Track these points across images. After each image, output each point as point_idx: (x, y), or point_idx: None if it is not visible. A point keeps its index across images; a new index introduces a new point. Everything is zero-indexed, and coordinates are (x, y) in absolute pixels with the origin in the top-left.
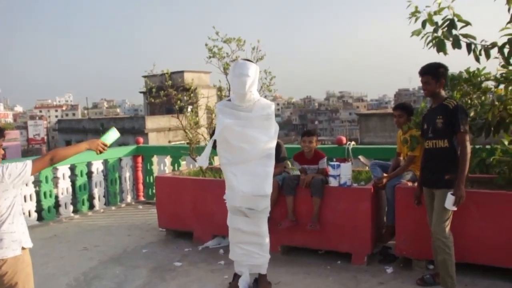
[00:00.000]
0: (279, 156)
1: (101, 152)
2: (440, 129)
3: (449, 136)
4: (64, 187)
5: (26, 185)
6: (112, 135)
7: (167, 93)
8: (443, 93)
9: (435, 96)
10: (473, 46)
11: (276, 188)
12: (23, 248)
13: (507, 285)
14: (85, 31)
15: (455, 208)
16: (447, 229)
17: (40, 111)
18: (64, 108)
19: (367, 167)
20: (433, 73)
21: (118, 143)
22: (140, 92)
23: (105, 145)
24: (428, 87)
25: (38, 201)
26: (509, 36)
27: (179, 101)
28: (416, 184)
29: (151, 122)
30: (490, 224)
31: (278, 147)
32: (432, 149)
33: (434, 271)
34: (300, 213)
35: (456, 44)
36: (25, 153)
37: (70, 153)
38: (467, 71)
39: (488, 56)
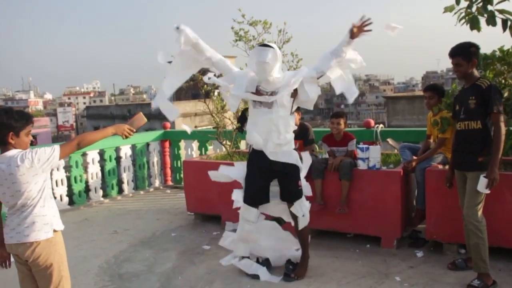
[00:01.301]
0: (307, 139)
1: (126, 137)
2: (472, 110)
3: (482, 117)
4: (93, 172)
5: (57, 170)
6: (138, 120)
7: (194, 77)
8: (475, 73)
9: (468, 77)
10: (509, 23)
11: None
12: (54, 231)
13: None
14: (110, 19)
15: (488, 191)
16: (480, 212)
17: (69, 98)
18: (91, 95)
19: (396, 150)
20: (464, 54)
21: (145, 128)
22: None
23: (131, 130)
24: (460, 68)
25: (69, 186)
26: None
27: (205, 85)
28: (447, 166)
29: (177, 108)
30: None
31: (306, 130)
32: (464, 130)
33: (466, 255)
34: (328, 196)
35: (491, 21)
36: (55, 140)
37: (97, 138)
38: (501, 49)
39: None
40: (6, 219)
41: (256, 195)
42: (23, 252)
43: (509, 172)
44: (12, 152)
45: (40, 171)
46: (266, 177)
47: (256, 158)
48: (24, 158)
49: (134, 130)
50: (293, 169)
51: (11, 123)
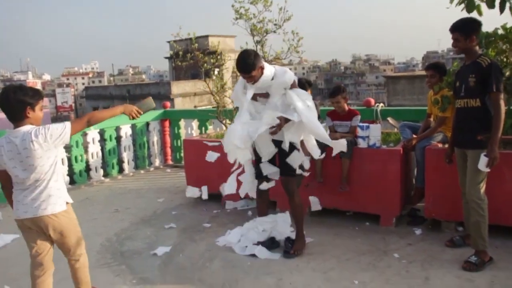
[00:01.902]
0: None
1: (133, 118)
2: (472, 88)
3: (482, 96)
4: (94, 151)
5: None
6: (148, 104)
7: (193, 56)
8: (476, 49)
9: (468, 52)
10: (508, 4)
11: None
12: (67, 203)
13: None
14: None
15: (488, 170)
16: (482, 191)
17: (67, 79)
18: (90, 76)
19: (396, 129)
20: (462, 29)
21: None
22: (165, 58)
23: (139, 112)
24: (457, 44)
25: (70, 166)
26: None
27: (205, 64)
28: (446, 145)
29: (177, 88)
30: None
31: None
32: (463, 108)
33: (463, 232)
34: (328, 174)
35: (490, 3)
36: (54, 120)
37: (106, 116)
38: (504, 27)
39: None
40: (14, 196)
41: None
42: (41, 225)
43: (508, 150)
44: (26, 128)
45: (53, 146)
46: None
47: None
48: (38, 133)
49: (142, 113)
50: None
51: (27, 99)
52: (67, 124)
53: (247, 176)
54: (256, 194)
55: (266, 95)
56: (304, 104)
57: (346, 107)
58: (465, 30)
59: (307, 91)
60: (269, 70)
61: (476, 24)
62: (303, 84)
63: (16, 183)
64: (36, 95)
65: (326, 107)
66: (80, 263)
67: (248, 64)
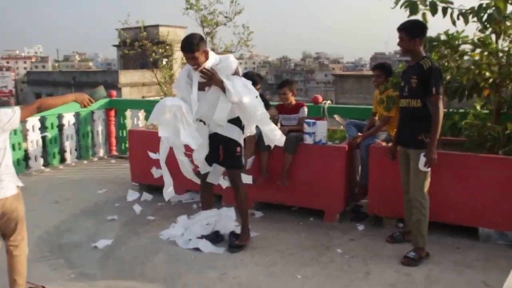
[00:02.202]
0: (266, 102)
1: (85, 106)
2: (414, 89)
3: (422, 97)
4: (33, 139)
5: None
6: (100, 93)
7: (142, 45)
8: (421, 51)
9: (412, 53)
10: (450, 11)
11: (253, 143)
12: (17, 187)
13: (468, 242)
14: None
15: (427, 169)
16: (425, 190)
17: (8, 62)
18: (33, 60)
19: (342, 126)
20: (407, 30)
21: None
22: (114, 46)
23: (91, 101)
24: (402, 43)
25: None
26: (486, 1)
27: (154, 54)
28: (390, 144)
29: (125, 77)
30: (458, 185)
31: (263, 97)
32: (406, 108)
33: (404, 229)
34: (274, 169)
35: (432, 9)
36: None
37: (57, 103)
38: (446, 33)
39: (466, 21)
40: None
41: (206, 161)
42: None
43: (447, 151)
44: None
45: (0, 131)
46: (212, 144)
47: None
48: None
49: (94, 101)
50: (231, 139)
51: None
52: (17, 109)
53: (184, 166)
54: (200, 188)
55: (210, 84)
56: (246, 88)
57: (293, 101)
58: (410, 31)
59: (257, 85)
60: (213, 57)
61: (422, 27)
62: (253, 77)
63: None
64: None
65: (275, 102)
66: (20, 250)
67: (192, 44)
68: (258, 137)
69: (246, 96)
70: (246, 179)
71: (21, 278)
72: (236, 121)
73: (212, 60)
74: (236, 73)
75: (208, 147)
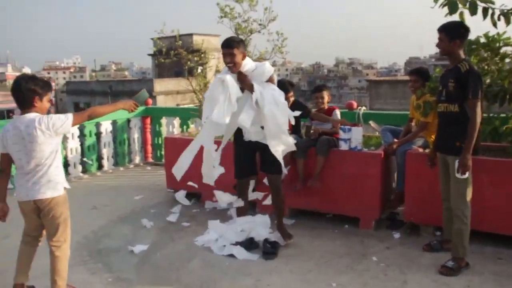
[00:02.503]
0: (306, 109)
1: (132, 111)
2: (451, 93)
3: (460, 101)
4: (73, 147)
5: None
6: (143, 96)
7: (177, 53)
8: (460, 54)
9: (451, 56)
10: (490, 11)
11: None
12: (64, 188)
13: (511, 252)
14: None
15: (462, 176)
16: (467, 199)
17: (48, 73)
18: (72, 70)
19: (377, 133)
20: (447, 31)
21: None
22: (149, 55)
23: (136, 105)
24: (441, 44)
25: None
26: None
27: (189, 62)
28: (427, 150)
29: (159, 85)
30: (499, 192)
31: (300, 103)
32: (444, 113)
33: (441, 237)
34: (309, 177)
35: (472, 9)
36: None
37: (106, 111)
38: (486, 35)
39: (508, 21)
40: (16, 179)
41: (243, 171)
42: (39, 207)
43: (487, 157)
44: (31, 115)
45: (54, 134)
46: (250, 151)
47: (239, 137)
48: (41, 121)
49: (139, 105)
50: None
51: (37, 89)
52: (70, 115)
53: (206, 163)
54: (237, 193)
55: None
56: (272, 98)
57: (326, 106)
58: (450, 32)
59: (289, 92)
60: (250, 63)
61: (464, 29)
62: (284, 84)
63: (19, 167)
64: (45, 86)
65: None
66: (61, 251)
67: (233, 41)
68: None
69: (270, 105)
70: (219, 170)
71: (61, 279)
72: None
73: (248, 65)
74: (271, 80)
75: (244, 156)
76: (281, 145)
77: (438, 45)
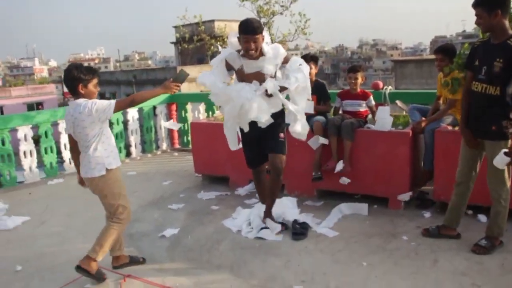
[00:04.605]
0: (323, 95)
1: (174, 93)
2: (496, 74)
3: (504, 84)
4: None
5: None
6: (182, 74)
7: (201, 39)
8: (506, 27)
9: (496, 30)
10: None
11: (321, 129)
12: (107, 169)
13: None
14: None
15: (504, 167)
16: (507, 183)
17: None
18: (96, 61)
19: (404, 112)
20: (484, 4)
21: None
22: (171, 43)
23: (178, 86)
24: (479, 21)
25: None
26: None
27: (212, 47)
28: (456, 128)
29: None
30: None
31: (322, 86)
32: (480, 93)
33: (445, 222)
34: (338, 158)
35: None
36: (61, 106)
37: (148, 97)
38: None
39: None
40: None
41: (254, 160)
42: (87, 184)
43: None
44: (80, 101)
45: (97, 119)
46: (256, 139)
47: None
48: (86, 106)
49: (180, 85)
50: (278, 124)
51: (81, 76)
52: (112, 102)
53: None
54: (254, 182)
55: (255, 76)
56: (297, 80)
57: (359, 88)
58: (488, 3)
59: (310, 66)
60: (265, 46)
61: None
62: (306, 59)
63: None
64: (89, 73)
65: (333, 90)
66: (109, 224)
67: (257, 27)
68: (325, 124)
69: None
70: (322, 140)
71: (97, 244)
72: (278, 115)
73: (267, 48)
74: (285, 61)
75: (250, 146)
76: (299, 127)
77: (477, 23)
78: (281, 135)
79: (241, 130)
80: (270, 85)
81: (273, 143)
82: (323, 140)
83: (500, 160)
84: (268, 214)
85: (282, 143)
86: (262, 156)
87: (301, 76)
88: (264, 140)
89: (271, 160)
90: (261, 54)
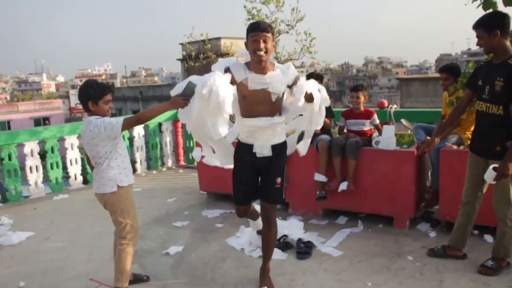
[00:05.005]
0: (330, 111)
1: (183, 107)
2: (497, 93)
3: (507, 103)
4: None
5: (72, 149)
6: (190, 87)
7: (207, 56)
8: (507, 47)
9: (497, 50)
10: None
11: (326, 149)
12: (119, 186)
13: None
14: (122, 1)
15: (493, 182)
16: (511, 201)
17: (81, 81)
18: (103, 77)
19: (409, 131)
20: (484, 25)
21: None
22: (178, 60)
23: (186, 99)
24: (480, 42)
25: (83, 166)
26: None
27: None
28: (461, 147)
29: None
30: None
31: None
32: (483, 113)
33: (450, 242)
34: (342, 176)
35: (506, 0)
36: (68, 122)
37: (154, 114)
38: None
39: None
40: None
41: (245, 196)
42: (98, 199)
43: None
44: (91, 118)
45: (106, 137)
46: (252, 175)
47: (243, 152)
48: (95, 125)
49: (188, 99)
50: (277, 164)
51: (90, 92)
52: (120, 120)
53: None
54: (246, 217)
55: (260, 94)
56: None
57: (362, 107)
58: (488, 25)
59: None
60: (276, 63)
61: (501, 17)
62: (312, 77)
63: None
64: (99, 89)
65: (338, 108)
66: (121, 246)
67: (267, 24)
68: (330, 142)
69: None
70: (319, 177)
71: (118, 272)
72: (280, 148)
73: (276, 64)
74: (295, 82)
75: (248, 178)
76: (303, 146)
77: (478, 44)
78: (278, 180)
79: (237, 157)
80: (314, 88)
81: (266, 190)
82: (318, 177)
83: (489, 175)
84: (265, 272)
85: (278, 190)
86: (257, 192)
87: (320, 94)
88: (263, 181)
89: (264, 209)
90: (270, 69)
